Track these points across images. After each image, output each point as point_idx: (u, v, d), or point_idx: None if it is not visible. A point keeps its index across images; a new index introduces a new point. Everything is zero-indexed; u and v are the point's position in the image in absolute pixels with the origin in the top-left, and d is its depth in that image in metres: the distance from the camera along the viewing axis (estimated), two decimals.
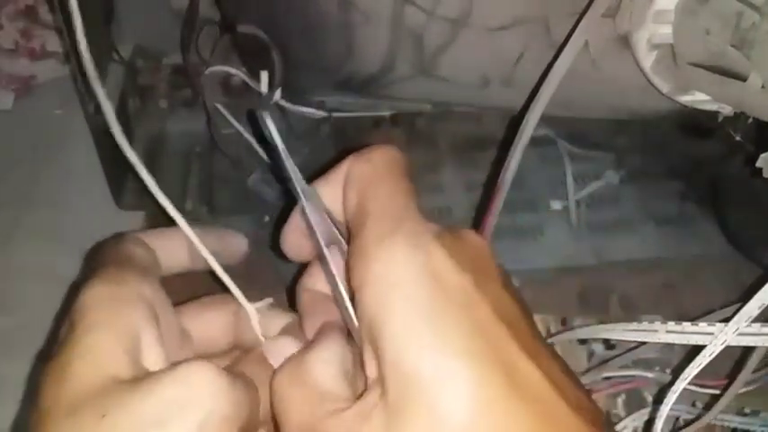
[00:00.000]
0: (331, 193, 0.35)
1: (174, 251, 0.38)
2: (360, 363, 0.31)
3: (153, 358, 0.31)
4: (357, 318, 0.30)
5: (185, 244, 0.37)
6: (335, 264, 0.34)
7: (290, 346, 0.35)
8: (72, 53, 0.58)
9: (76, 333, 0.30)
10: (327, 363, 0.32)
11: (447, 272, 0.28)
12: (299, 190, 0.36)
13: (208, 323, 0.38)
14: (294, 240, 0.37)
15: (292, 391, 0.32)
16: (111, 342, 0.30)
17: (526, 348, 0.27)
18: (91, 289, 0.32)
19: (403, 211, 0.31)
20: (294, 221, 0.37)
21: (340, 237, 0.35)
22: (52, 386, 0.29)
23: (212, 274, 0.37)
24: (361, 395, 0.29)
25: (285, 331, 0.38)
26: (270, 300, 0.38)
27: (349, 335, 0.34)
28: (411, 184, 0.34)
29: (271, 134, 0.36)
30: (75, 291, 0.32)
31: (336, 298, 0.34)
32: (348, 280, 0.31)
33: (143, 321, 0.31)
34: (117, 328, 0.30)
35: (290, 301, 0.40)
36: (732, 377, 0.50)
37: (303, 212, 0.36)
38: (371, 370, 0.29)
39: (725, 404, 0.50)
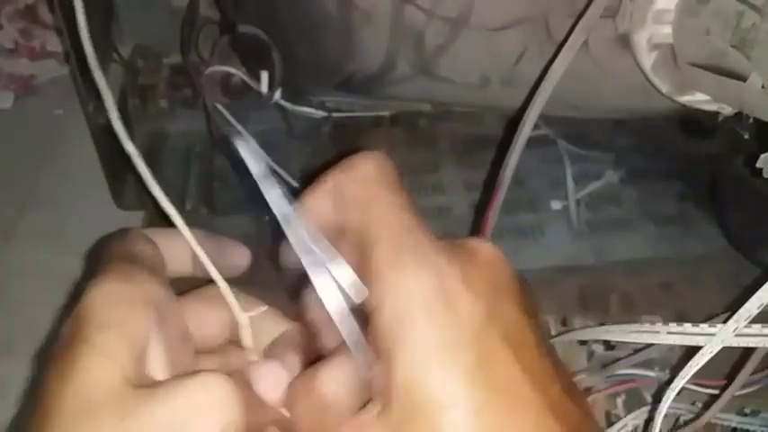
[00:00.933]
0: (320, 207, 0.34)
1: (178, 253, 0.37)
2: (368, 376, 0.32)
3: (157, 365, 0.30)
4: (376, 337, 0.30)
5: (188, 248, 0.36)
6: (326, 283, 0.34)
7: (275, 372, 0.35)
8: (72, 51, 0.58)
9: (85, 331, 0.29)
10: (337, 380, 0.32)
11: (460, 299, 0.28)
12: (280, 220, 0.34)
13: (207, 321, 0.38)
14: (292, 260, 0.37)
15: (302, 401, 0.32)
16: (122, 344, 0.29)
17: (531, 371, 0.28)
18: (100, 286, 0.31)
19: (409, 231, 0.31)
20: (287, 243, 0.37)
21: (328, 256, 0.34)
22: (58, 383, 0.28)
23: (211, 279, 0.36)
24: (363, 406, 0.30)
25: (282, 341, 0.38)
26: (264, 307, 0.38)
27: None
28: (406, 193, 0.33)
29: (250, 163, 0.35)
30: (80, 287, 0.31)
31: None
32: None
33: (152, 326, 0.31)
34: (127, 330, 0.30)
35: (291, 298, 0.39)
36: (731, 378, 0.51)
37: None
38: (379, 385, 0.29)
39: (722, 404, 0.50)
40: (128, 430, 0.27)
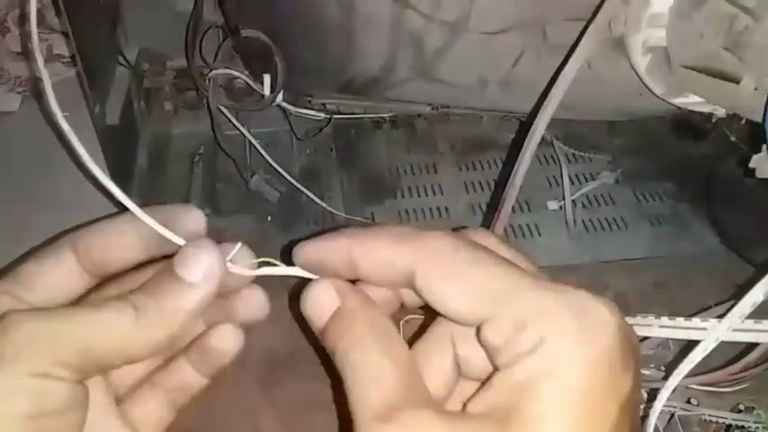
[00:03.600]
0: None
1: (127, 242, 0.35)
2: None
3: None
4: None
5: (132, 235, 0.34)
6: None
7: (205, 256, 0.33)
8: (78, 54, 0.59)
9: None
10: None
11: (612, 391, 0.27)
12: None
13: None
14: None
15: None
16: None
17: None
18: None
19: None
20: None
21: None
22: None
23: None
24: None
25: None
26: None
27: None
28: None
29: None
30: None
31: None
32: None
33: None
34: None
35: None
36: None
37: None
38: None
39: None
40: None
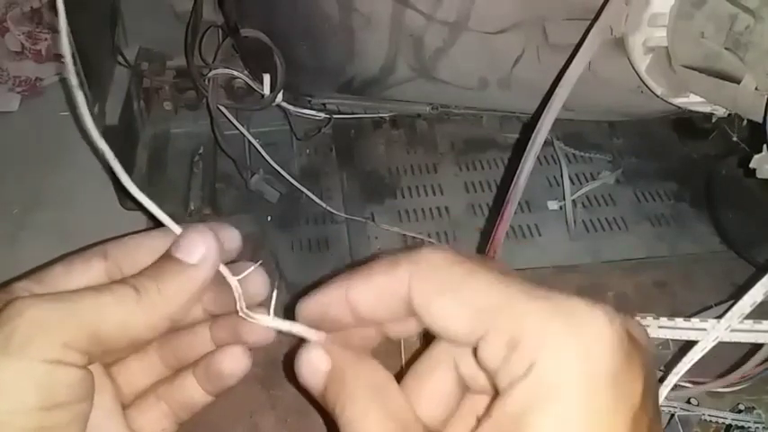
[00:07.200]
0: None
1: (143, 258, 0.35)
2: None
3: None
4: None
5: (159, 250, 0.34)
6: None
7: (201, 239, 0.33)
8: (77, 54, 0.59)
9: None
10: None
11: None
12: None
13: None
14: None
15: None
16: None
17: None
18: None
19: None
20: None
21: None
22: None
23: None
24: None
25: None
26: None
27: None
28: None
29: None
30: None
31: None
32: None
33: None
34: None
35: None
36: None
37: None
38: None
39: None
40: None
